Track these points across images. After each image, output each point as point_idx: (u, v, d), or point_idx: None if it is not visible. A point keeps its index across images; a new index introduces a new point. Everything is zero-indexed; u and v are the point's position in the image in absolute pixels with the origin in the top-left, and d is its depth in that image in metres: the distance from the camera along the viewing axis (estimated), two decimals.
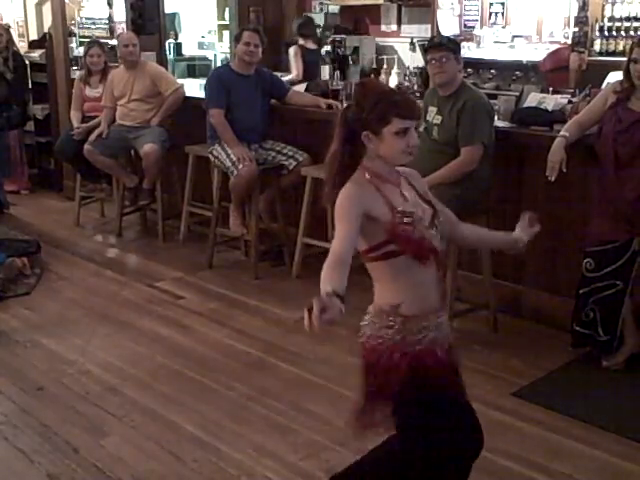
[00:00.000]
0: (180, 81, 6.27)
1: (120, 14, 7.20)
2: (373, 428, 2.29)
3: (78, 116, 6.13)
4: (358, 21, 7.98)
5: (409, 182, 2.24)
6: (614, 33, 6.43)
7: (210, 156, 5.12)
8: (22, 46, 7.91)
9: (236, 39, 5.18)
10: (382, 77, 5.94)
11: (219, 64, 8.74)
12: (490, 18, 7.35)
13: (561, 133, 3.67)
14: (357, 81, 2.30)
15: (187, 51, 9.73)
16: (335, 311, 1.81)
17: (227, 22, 8.65)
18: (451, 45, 3.96)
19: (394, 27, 7.84)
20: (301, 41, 7.27)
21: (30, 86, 7.33)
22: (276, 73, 5.57)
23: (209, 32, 9.97)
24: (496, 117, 4.13)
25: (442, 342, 2.22)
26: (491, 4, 7.26)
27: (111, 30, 7.44)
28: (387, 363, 2.16)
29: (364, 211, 2.09)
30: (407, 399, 2.18)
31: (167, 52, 8.03)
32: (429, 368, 2.17)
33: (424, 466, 2.24)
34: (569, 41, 6.59)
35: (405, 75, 5.98)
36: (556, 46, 6.72)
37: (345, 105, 2.32)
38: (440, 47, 3.92)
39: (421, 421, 2.20)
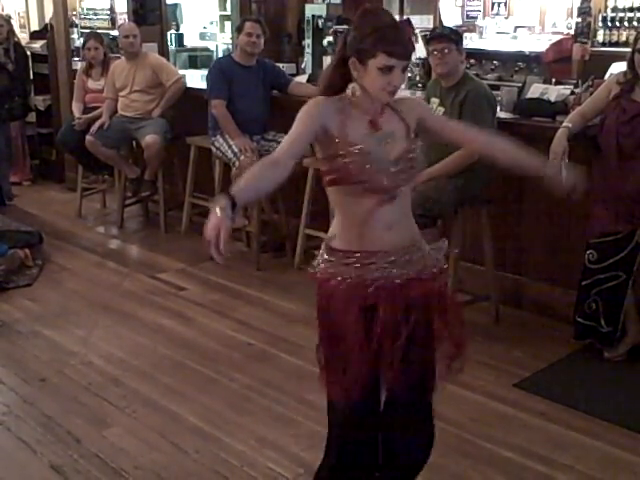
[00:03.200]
0: (181, 72, 6.25)
1: (121, 5, 7.20)
2: None
3: (80, 107, 6.11)
4: None
5: (398, 112, 2.13)
6: (617, 24, 6.41)
7: (212, 147, 5.11)
8: (23, 37, 7.90)
9: (238, 30, 5.16)
10: None
11: (221, 55, 8.72)
12: (493, 9, 7.33)
13: (564, 124, 3.65)
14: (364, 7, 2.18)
15: (189, 42, 9.70)
16: (221, 226, 1.77)
17: (229, 13, 8.63)
18: (453, 36, 3.94)
19: (397, 18, 7.80)
20: None
21: (31, 77, 7.31)
22: (278, 64, 5.55)
23: (211, 23, 9.94)
24: (498, 108, 4.11)
25: (391, 278, 2.08)
26: None
27: (112, 21, 7.43)
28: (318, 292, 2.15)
29: (322, 126, 2.04)
30: (320, 335, 2.17)
31: (168, 43, 8.00)
32: (339, 306, 2.08)
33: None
34: (572, 32, 6.57)
35: (407, 66, 5.95)
36: (559, 37, 6.70)
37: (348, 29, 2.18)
38: (442, 38, 3.90)
39: (324, 356, 2.19)
